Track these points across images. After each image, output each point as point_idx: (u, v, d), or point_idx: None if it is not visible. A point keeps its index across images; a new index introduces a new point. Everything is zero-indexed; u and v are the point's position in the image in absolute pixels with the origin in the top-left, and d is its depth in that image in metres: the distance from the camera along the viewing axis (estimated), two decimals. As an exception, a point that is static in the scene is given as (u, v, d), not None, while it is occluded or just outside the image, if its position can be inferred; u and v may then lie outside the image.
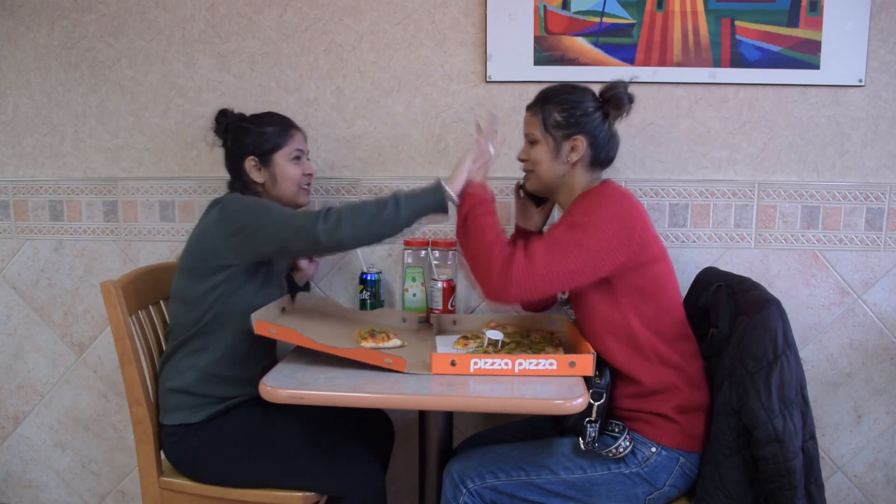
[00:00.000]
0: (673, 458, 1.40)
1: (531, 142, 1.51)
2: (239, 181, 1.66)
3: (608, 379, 1.39)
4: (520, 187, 1.65)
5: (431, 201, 1.45)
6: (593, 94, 1.49)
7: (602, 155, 1.49)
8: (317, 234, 1.41)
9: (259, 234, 1.47)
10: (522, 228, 1.67)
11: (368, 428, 1.73)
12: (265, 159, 1.63)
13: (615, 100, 1.46)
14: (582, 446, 1.38)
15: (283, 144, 1.64)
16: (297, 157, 1.66)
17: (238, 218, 1.49)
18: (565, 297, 1.53)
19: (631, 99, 1.47)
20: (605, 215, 1.37)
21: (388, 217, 1.42)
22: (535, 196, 1.62)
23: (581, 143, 1.46)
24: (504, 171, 1.90)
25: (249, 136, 1.63)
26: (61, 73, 1.98)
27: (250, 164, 1.63)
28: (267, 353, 1.66)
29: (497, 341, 1.51)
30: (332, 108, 1.93)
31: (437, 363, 1.39)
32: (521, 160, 1.56)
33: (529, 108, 1.52)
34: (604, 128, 1.47)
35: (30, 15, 1.97)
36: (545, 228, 1.70)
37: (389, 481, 1.87)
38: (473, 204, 1.44)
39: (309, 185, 1.71)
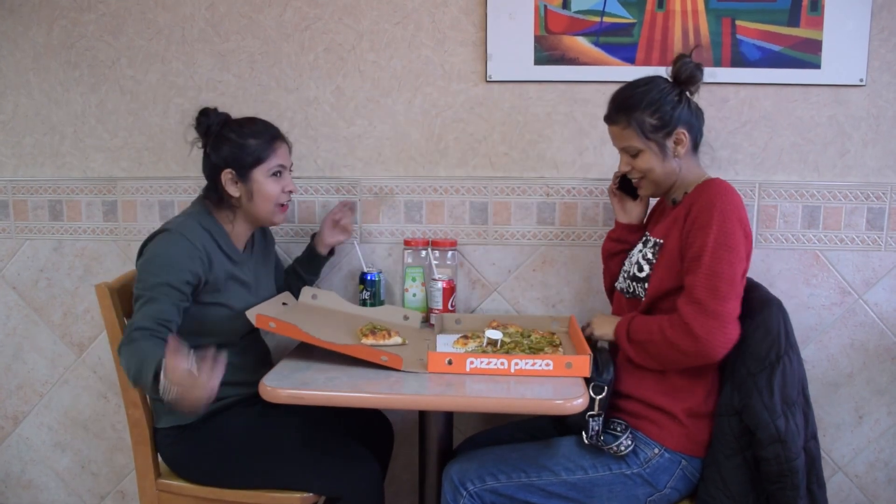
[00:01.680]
0: (675, 460, 1.40)
1: (633, 154, 1.46)
2: (215, 192, 1.56)
3: (612, 374, 1.39)
4: (615, 187, 1.63)
5: (149, 375, 1.27)
6: (664, 79, 1.46)
7: (700, 135, 1.49)
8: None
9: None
10: (625, 224, 1.64)
11: (367, 429, 1.73)
12: (243, 174, 1.52)
13: (691, 78, 1.44)
14: (585, 440, 1.38)
15: (265, 159, 1.53)
16: (278, 173, 1.55)
17: (136, 283, 1.45)
18: (643, 274, 1.46)
19: (701, 69, 1.44)
20: (731, 218, 1.34)
21: (136, 365, 1.31)
22: (629, 189, 1.60)
23: (683, 134, 1.44)
24: (506, 171, 1.90)
25: (229, 147, 1.52)
26: (60, 72, 1.98)
27: (227, 176, 1.52)
28: (256, 352, 1.66)
29: (496, 341, 1.50)
30: (332, 108, 1.92)
31: (434, 362, 1.39)
32: (626, 173, 1.52)
33: (614, 121, 1.46)
34: (690, 108, 1.45)
35: (29, 14, 1.96)
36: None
37: (389, 482, 1.86)
38: (625, 332, 1.43)
39: (288, 201, 1.61)
